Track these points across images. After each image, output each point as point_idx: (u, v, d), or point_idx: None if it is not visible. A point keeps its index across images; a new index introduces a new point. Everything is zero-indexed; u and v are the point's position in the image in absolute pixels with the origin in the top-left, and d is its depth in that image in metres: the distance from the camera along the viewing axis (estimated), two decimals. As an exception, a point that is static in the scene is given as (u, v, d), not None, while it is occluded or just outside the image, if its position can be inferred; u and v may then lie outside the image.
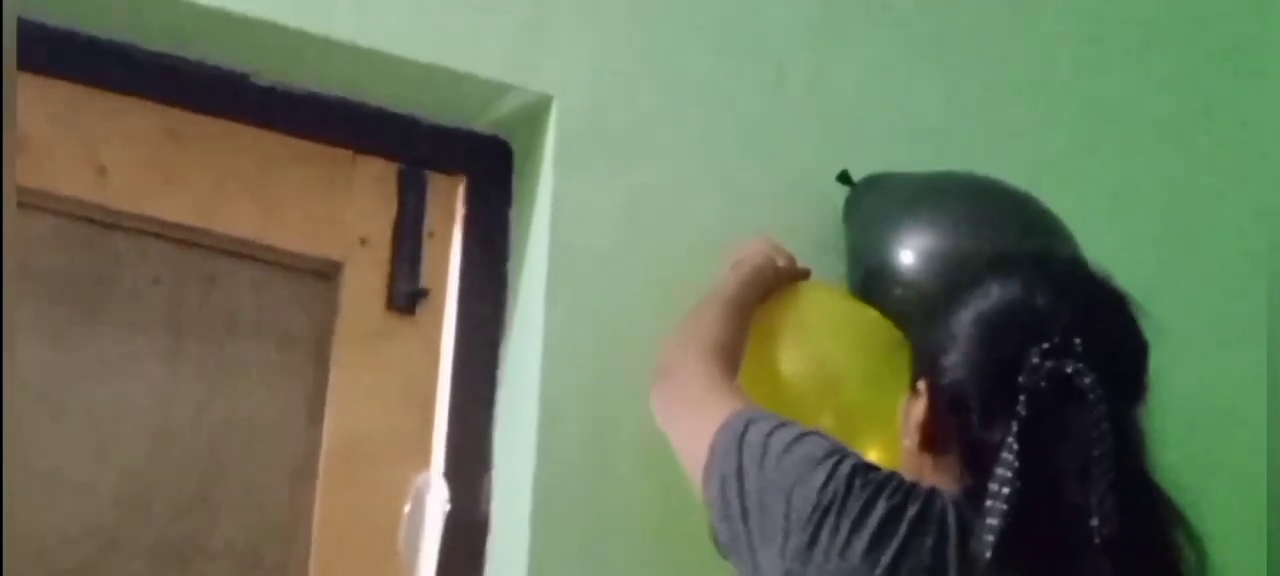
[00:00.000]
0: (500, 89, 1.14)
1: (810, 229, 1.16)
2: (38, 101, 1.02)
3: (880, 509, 0.79)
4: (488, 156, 1.18)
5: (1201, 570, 0.80)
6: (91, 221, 1.07)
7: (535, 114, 1.15)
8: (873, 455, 0.87)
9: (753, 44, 1.24)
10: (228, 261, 1.08)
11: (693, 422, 0.92)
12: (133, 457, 1.03)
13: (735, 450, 0.85)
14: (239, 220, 1.08)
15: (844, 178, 1.16)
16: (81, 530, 1.00)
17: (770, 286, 1.07)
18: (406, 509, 1.09)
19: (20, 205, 0.96)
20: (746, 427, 0.86)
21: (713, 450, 0.87)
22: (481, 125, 1.19)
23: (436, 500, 1.09)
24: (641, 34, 1.21)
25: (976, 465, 0.80)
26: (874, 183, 1.15)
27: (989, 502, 0.76)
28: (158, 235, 1.07)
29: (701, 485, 0.88)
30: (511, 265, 1.16)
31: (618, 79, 1.18)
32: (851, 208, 1.14)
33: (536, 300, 1.11)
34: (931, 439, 0.84)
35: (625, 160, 1.15)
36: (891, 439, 0.90)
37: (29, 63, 0.94)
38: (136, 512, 1.02)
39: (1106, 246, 1.07)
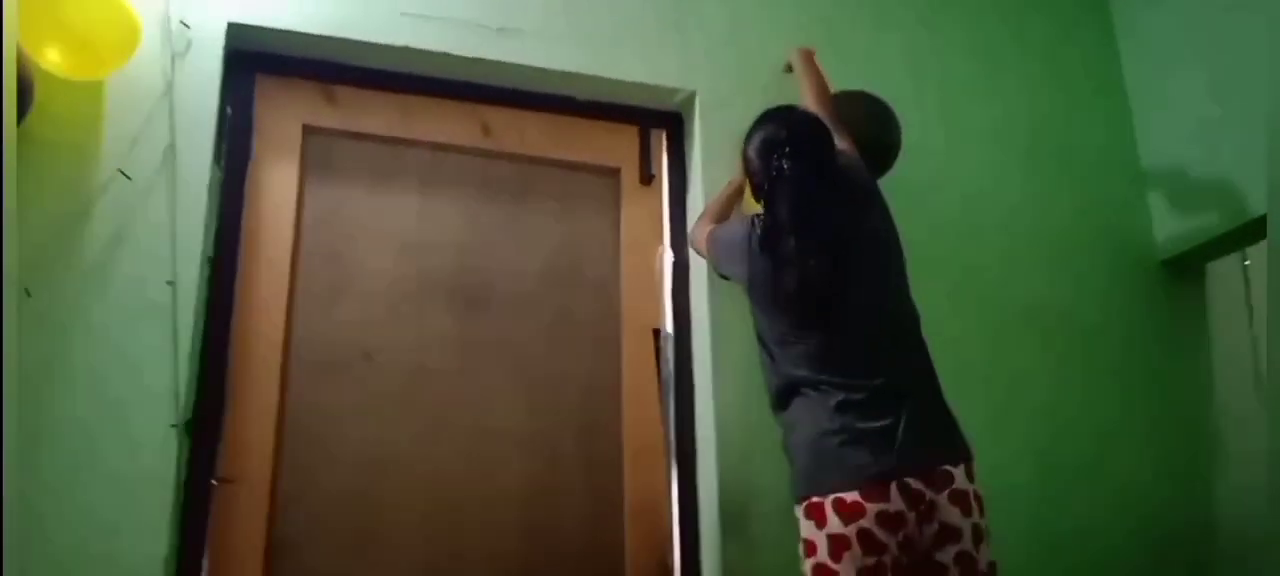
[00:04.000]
0: (675, 90, 2.71)
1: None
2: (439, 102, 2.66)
3: (755, 225, 2.06)
4: (674, 119, 2.77)
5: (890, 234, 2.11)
6: (484, 154, 2.64)
7: (689, 99, 2.72)
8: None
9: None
10: (574, 169, 2.69)
11: (701, 236, 2.33)
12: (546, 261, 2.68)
13: (715, 239, 2.24)
14: (580, 154, 2.69)
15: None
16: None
17: (740, 188, 2.47)
18: (657, 261, 2.70)
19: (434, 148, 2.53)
20: (715, 230, 2.26)
21: (708, 241, 2.26)
22: (670, 105, 2.77)
23: (667, 257, 2.70)
24: (736, 52, 2.76)
25: (762, 203, 2.07)
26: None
27: (766, 218, 2.01)
28: (528, 159, 2.68)
29: (709, 258, 2.30)
30: (689, 161, 2.74)
31: (723, 81, 2.71)
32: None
33: (697, 175, 2.67)
34: (752, 196, 2.16)
35: (726, 119, 2.68)
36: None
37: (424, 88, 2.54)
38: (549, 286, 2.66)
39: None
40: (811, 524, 1.87)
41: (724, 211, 2.44)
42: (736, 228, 2.18)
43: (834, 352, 1.96)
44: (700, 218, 2.47)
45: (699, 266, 2.59)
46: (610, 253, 2.64)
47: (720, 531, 2.34)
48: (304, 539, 2.18)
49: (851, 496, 1.83)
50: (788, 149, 2.01)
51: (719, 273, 2.30)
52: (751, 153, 2.12)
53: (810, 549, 1.86)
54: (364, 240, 2.44)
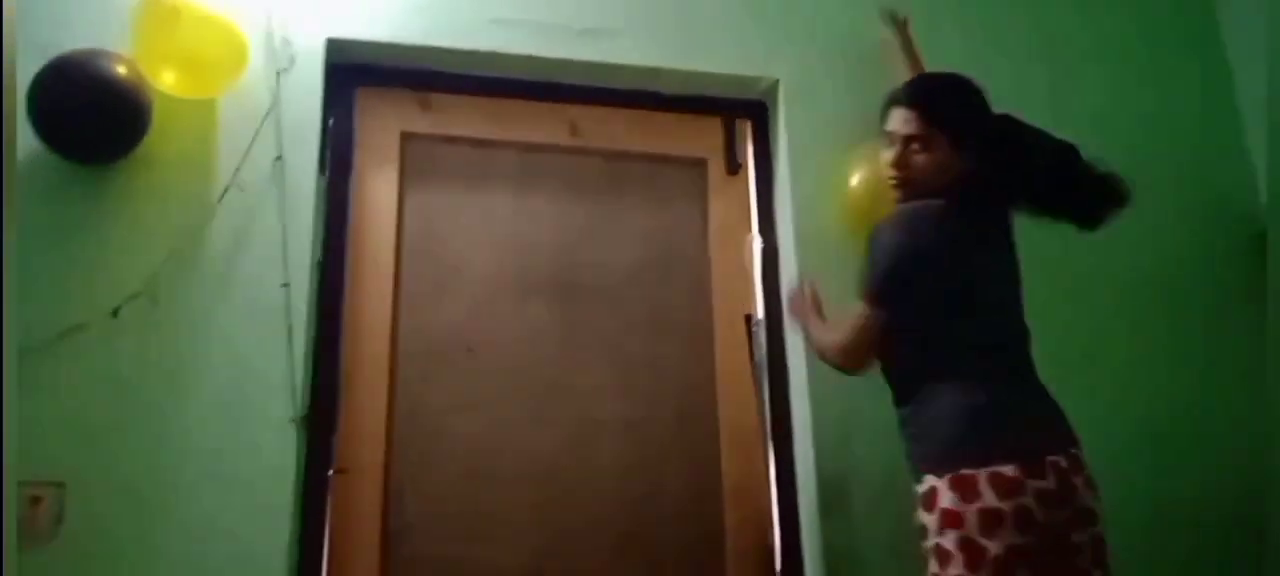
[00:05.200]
0: (759, 79, 2.74)
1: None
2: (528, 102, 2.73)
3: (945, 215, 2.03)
4: (758, 108, 2.80)
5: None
6: (573, 151, 2.71)
7: (773, 87, 2.74)
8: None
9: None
10: (661, 162, 2.75)
11: (833, 335, 1.98)
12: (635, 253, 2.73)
13: (892, 277, 1.87)
14: (666, 147, 2.75)
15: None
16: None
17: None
18: (747, 249, 2.73)
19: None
20: (883, 274, 1.87)
21: (879, 296, 1.87)
22: (754, 94, 2.80)
23: (756, 244, 2.73)
24: (818, 38, 2.77)
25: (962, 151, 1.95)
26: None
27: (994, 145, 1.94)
28: (616, 155, 2.75)
29: (878, 322, 1.88)
30: (775, 149, 2.76)
31: (806, 67, 2.72)
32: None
33: (783, 162, 2.70)
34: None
35: (809, 105, 2.71)
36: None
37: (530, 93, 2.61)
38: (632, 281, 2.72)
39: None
40: (955, 496, 1.77)
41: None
42: (920, 232, 1.91)
43: (983, 332, 1.90)
44: (823, 329, 2.07)
45: (789, 252, 2.61)
46: (700, 242, 2.68)
47: (819, 510, 2.35)
48: (417, 524, 2.27)
49: (1011, 471, 1.76)
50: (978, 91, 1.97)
51: (898, 323, 1.92)
52: (948, 103, 1.99)
53: (953, 520, 1.77)
54: (462, 239, 2.52)
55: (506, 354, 2.45)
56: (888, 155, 2.00)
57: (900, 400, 1.95)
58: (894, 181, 1.99)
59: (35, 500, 1.97)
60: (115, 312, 2.12)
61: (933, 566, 1.80)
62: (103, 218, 2.20)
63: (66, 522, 1.99)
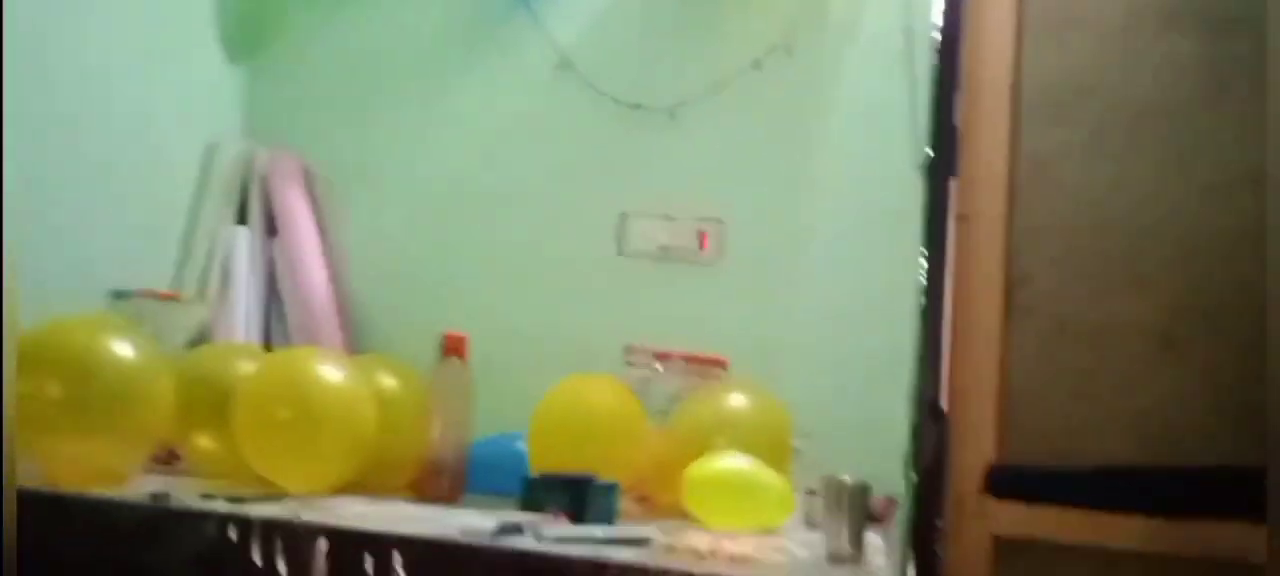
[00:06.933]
0: None
1: None
2: None
3: None
4: None
5: None
6: None
7: None
8: None
9: None
10: None
11: None
12: None
13: None
14: None
15: None
16: None
17: None
18: None
19: None
20: None
21: None
22: None
23: None
24: None
25: None
26: None
27: None
28: None
29: None
30: None
31: None
32: None
33: None
34: None
35: None
36: None
37: None
38: None
39: None
40: None
41: None
42: None
43: None
44: None
45: None
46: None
47: None
48: (1037, 274, 2.25)
49: None
50: None
51: None
52: None
53: None
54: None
55: (1138, 96, 2.24)
56: None
57: None
58: None
59: (702, 233, 2.32)
60: (757, 64, 2.31)
61: None
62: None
63: (726, 253, 2.32)
